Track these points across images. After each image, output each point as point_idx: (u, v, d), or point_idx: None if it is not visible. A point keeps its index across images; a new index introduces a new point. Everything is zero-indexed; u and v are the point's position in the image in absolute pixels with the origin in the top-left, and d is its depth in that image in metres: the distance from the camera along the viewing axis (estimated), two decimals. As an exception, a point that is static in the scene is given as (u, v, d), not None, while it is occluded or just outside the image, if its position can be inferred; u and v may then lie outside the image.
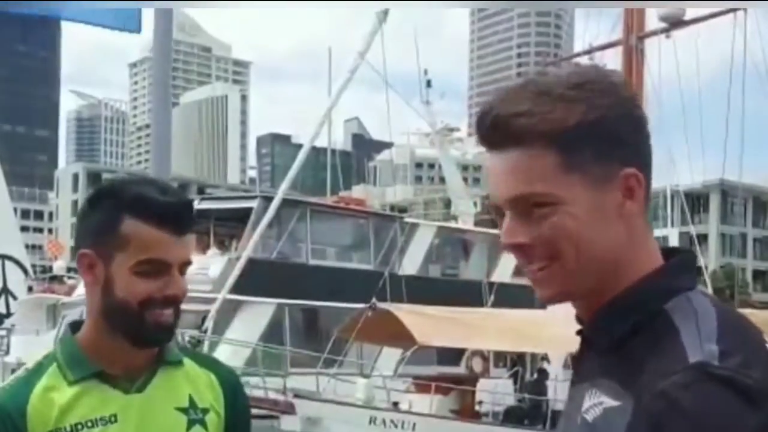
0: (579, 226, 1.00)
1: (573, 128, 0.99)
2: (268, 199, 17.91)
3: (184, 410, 1.53)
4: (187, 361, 1.59)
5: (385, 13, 16.28)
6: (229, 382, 1.62)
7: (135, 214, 1.46)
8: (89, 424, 1.46)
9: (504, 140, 1.01)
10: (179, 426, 1.52)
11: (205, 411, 1.55)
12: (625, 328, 1.01)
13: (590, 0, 10.96)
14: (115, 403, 1.48)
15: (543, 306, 7.14)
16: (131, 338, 1.49)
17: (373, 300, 12.92)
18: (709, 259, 62.07)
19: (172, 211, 1.48)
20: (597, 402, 1.03)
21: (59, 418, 1.46)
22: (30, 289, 31.66)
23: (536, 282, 1.04)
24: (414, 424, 11.95)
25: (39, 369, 1.51)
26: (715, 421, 0.91)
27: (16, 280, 31.27)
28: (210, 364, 1.63)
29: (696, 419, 0.91)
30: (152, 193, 1.48)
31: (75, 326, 1.57)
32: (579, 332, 1.10)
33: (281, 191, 17.10)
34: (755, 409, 0.91)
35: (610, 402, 1.00)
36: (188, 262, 1.52)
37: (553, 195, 0.99)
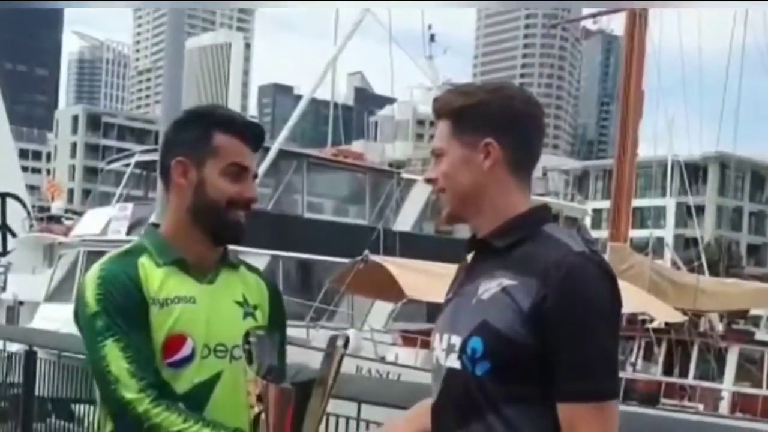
0: (450, 169, 1.62)
1: (458, 110, 1.62)
2: (265, 150, 17.91)
3: (240, 304, 1.88)
4: (241, 266, 1.95)
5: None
6: (274, 288, 1.99)
7: (224, 129, 1.84)
8: (176, 300, 1.80)
9: (435, 114, 1.67)
10: (238, 315, 1.87)
11: (255, 307, 1.90)
12: (518, 237, 1.57)
13: (591, 0, 10.88)
14: (193, 287, 1.83)
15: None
16: (213, 235, 1.85)
17: (366, 252, 13.05)
18: (705, 231, 62.19)
19: (252, 129, 1.88)
20: (494, 284, 1.54)
21: (155, 290, 1.79)
22: (31, 227, 31.75)
23: (440, 204, 1.66)
24: (399, 376, 12.19)
25: (132, 251, 1.84)
26: (599, 284, 1.51)
27: (16, 218, 31.33)
28: (257, 271, 2.00)
29: (590, 284, 1.50)
30: (235, 115, 1.88)
31: (155, 226, 1.92)
32: (476, 243, 1.64)
33: (278, 141, 17.08)
34: (613, 279, 1.54)
35: (507, 281, 1.53)
36: (257, 175, 1.93)
37: (442, 149, 1.64)
